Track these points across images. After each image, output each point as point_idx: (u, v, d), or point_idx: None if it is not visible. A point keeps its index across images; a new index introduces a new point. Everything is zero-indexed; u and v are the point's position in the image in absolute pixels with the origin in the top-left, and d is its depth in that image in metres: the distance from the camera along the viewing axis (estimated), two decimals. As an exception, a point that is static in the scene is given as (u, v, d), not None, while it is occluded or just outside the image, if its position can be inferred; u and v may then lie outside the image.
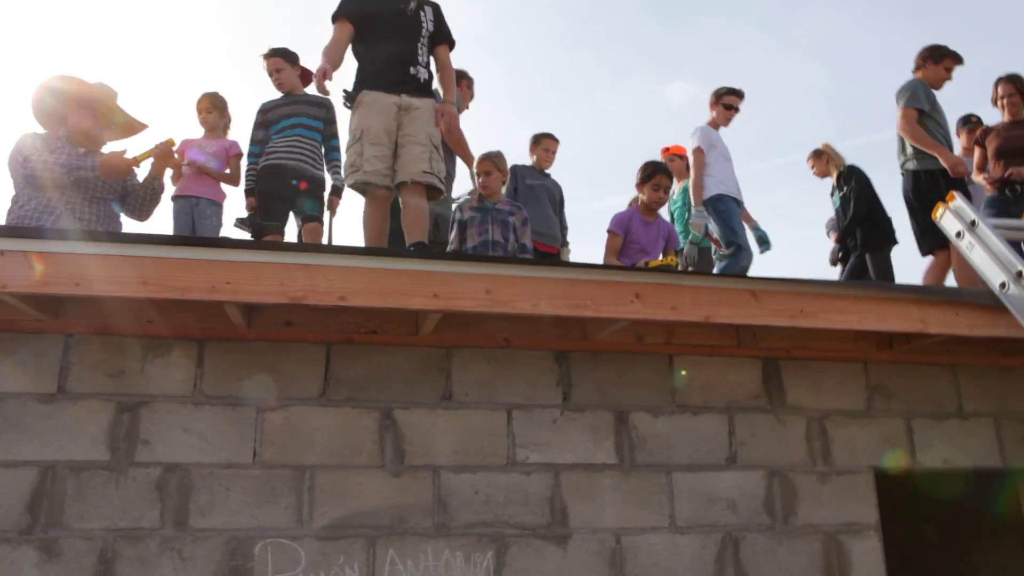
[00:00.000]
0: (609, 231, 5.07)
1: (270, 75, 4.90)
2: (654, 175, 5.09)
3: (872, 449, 3.77)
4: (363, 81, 4.08)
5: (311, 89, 4.87)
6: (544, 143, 5.88)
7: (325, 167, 4.92)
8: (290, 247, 3.27)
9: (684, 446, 3.61)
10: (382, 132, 3.95)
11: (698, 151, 5.51)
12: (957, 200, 3.84)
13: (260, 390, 3.33)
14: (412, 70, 4.11)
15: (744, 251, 5.26)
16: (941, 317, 3.44)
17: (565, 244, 5.91)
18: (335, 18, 4.12)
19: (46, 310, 3.20)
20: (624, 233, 5.04)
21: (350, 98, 4.07)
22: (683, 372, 3.71)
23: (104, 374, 3.26)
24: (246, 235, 4.73)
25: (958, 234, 3.79)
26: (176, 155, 4.64)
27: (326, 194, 4.88)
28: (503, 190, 5.06)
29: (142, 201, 4.22)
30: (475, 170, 4.88)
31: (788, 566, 3.52)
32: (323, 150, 4.95)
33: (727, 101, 5.72)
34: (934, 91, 5.24)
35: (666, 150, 6.73)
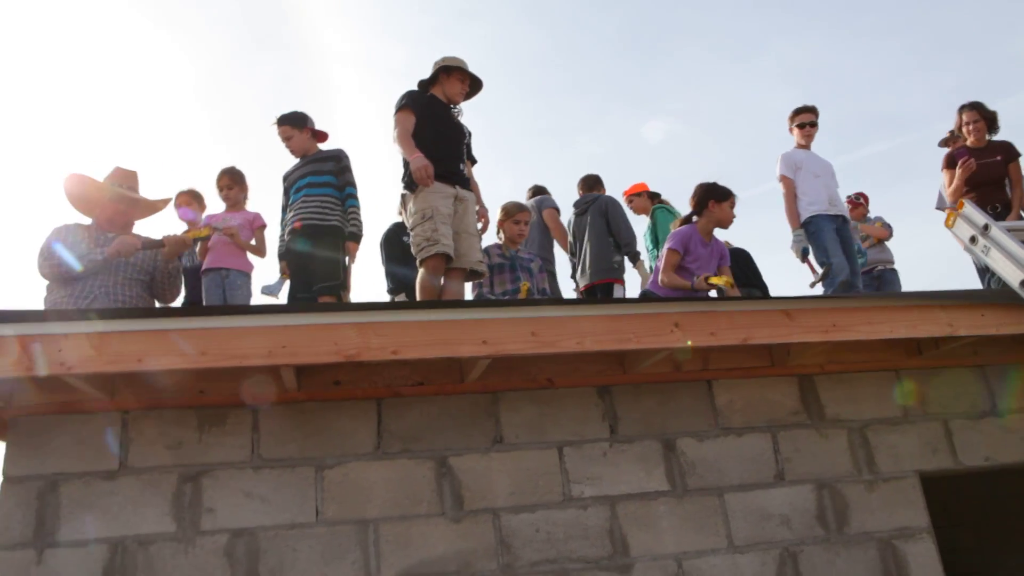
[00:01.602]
0: (670, 248, 5.13)
1: (283, 143, 5.05)
2: (726, 198, 5.17)
3: (914, 454, 3.84)
4: None
5: (327, 145, 5.12)
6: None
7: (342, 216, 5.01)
8: (341, 307, 3.37)
9: (732, 467, 3.68)
10: (448, 215, 4.40)
11: (783, 179, 5.72)
12: (967, 207, 3.98)
13: (316, 449, 3.41)
14: (460, 166, 4.61)
15: (835, 268, 5.36)
16: (968, 319, 3.55)
17: None
18: (401, 108, 4.52)
19: (102, 388, 3.27)
20: (683, 251, 5.11)
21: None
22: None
23: (163, 447, 3.33)
24: (274, 301, 4.85)
25: (972, 239, 3.93)
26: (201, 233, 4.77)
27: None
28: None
29: (164, 286, 4.34)
30: (516, 218, 5.16)
31: (848, 575, 3.58)
32: (339, 199, 5.01)
33: (800, 121, 5.93)
34: None
35: (625, 193, 6.94)
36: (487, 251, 5.03)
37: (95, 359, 2.87)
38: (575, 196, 6.77)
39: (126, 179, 4.46)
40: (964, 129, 5.53)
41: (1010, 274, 3.68)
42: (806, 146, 5.88)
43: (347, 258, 4.92)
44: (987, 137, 5.53)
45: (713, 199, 5.17)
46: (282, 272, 4.98)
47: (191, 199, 5.67)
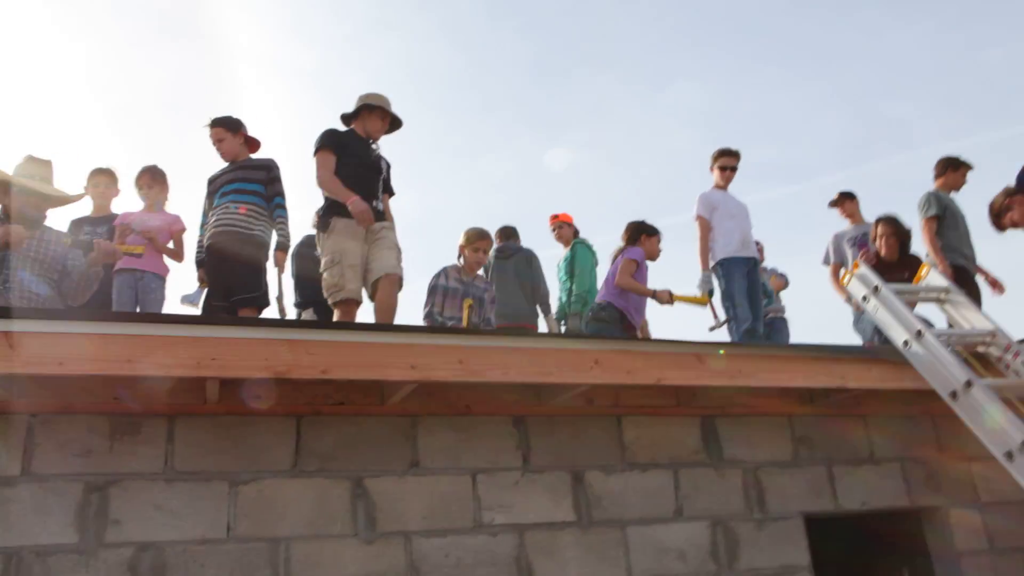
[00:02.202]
0: (630, 259, 5.67)
1: (213, 145, 4.96)
2: (655, 234, 5.95)
3: (800, 496, 4.12)
4: (334, 208, 4.63)
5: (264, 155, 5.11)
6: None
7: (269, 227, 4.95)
8: (274, 323, 3.37)
9: (635, 501, 3.85)
10: (357, 254, 4.59)
11: (699, 219, 6.03)
12: (861, 268, 4.33)
13: (232, 464, 3.37)
14: (375, 203, 4.76)
15: (739, 317, 5.68)
16: (857, 373, 3.87)
17: None
18: (320, 150, 4.72)
19: (8, 389, 3.15)
20: (639, 264, 5.70)
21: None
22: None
23: (71, 454, 3.22)
24: (194, 311, 4.73)
25: (864, 298, 4.27)
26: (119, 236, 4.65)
27: (271, 251, 4.93)
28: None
29: (77, 287, 4.19)
30: (476, 246, 5.34)
31: (735, 609, 3.79)
32: (266, 209, 4.97)
33: (722, 163, 6.22)
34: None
35: (555, 217, 7.19)
36: (446, 271, 5.19)
37: (11, 359, 2.77)
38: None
39: (38, 169, 4.31)
40: (878, 241, 5.66)
41: (895, 334, 4.03)
42: (724, 187, 6.19)
43: (277, 270, 4.87)
44: (898, 254, 5.63)
45: (644, 233, 5.82)
46: (200, 280, 4.88)
47: (111, 181, 5.46)
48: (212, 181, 5.00)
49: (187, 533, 3.23)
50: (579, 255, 6.65)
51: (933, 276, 4.51)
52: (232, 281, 4.68)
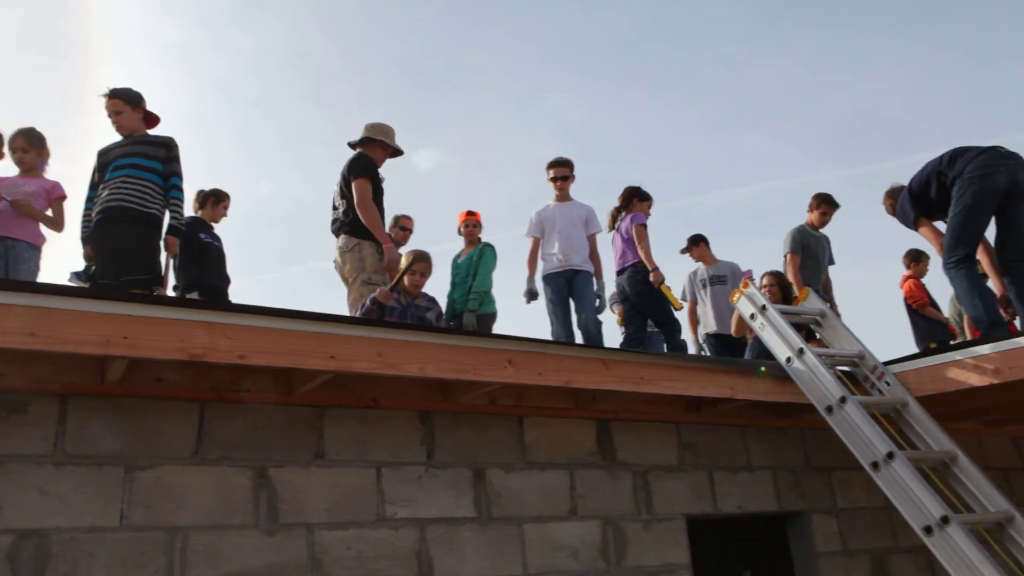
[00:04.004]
0: (644, 225, 6.02)
1: (109, 117, 4.63)
2: (646, 199, 6.30)
3: (684, 498, 4.35)
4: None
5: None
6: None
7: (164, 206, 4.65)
8: (191, 303, 3.23)
9: (533, 499, 3.95)
10: None
11: (530, 237, 6.46)
12: (750, 288, 4.61)
13: (129, 449, 3.20)
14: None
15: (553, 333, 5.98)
16: (745, 386, 4.13)
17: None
18: (364, 176, 5.14)
19: None
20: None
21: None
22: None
23: (-52, 432, 2.98)
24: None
25: (752, 315, 4.55)
26: None
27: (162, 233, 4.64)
28: None
29: None
30: (413, 269, 5.37)
31: (621, 605, 3.95)
32: (162, 188, 4.64)
33: (552, 174, 6.37)
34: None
35: (472, 215, 7.17)
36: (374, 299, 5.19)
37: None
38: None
39: None
40: (764, 290, 5.78)
41: (779, 350, 4.32)
42: (561, 198, 6.35)
43: (168, 252, 4.58)
44: (781, 300, 5.79)
45: (637, 198, 6.17)
46: (86, 258, 4.53)
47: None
48: (104, 153, 4.65)
49: (76, 520, 3.04)
50: (486, 257, 6.66)
51: (812, 299, 4.86)
52: (124, 261, 4.38)
